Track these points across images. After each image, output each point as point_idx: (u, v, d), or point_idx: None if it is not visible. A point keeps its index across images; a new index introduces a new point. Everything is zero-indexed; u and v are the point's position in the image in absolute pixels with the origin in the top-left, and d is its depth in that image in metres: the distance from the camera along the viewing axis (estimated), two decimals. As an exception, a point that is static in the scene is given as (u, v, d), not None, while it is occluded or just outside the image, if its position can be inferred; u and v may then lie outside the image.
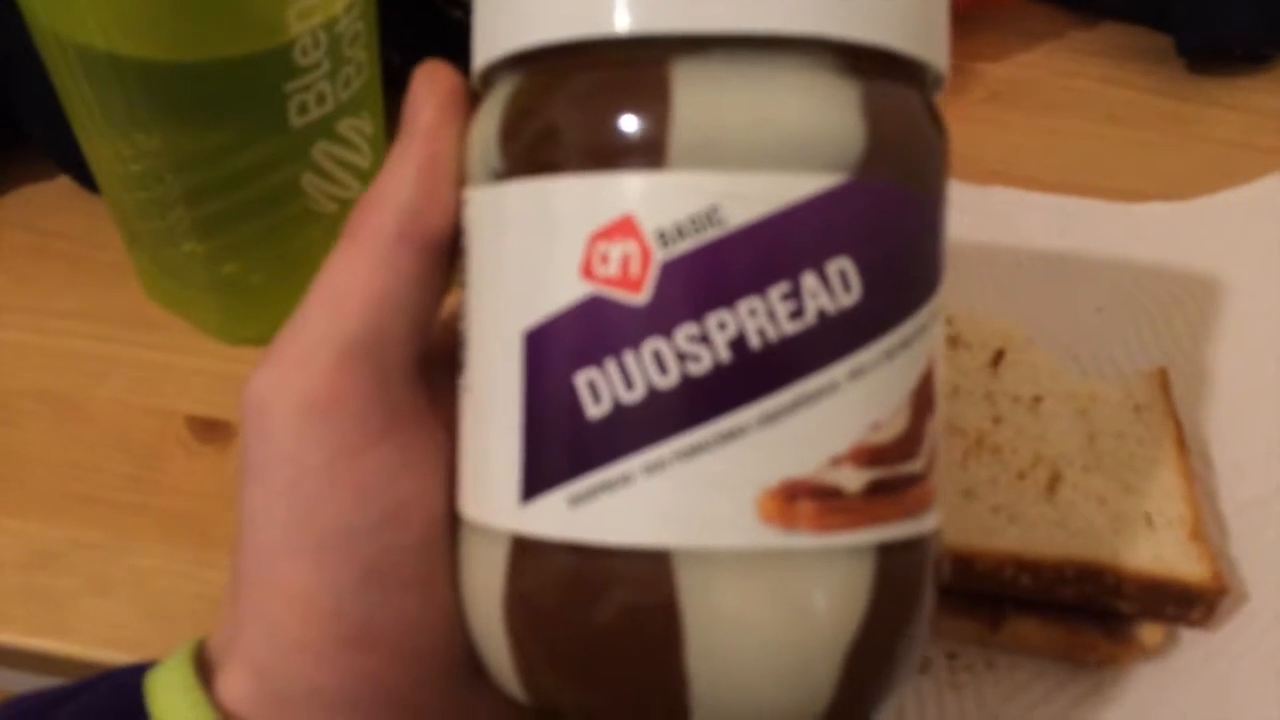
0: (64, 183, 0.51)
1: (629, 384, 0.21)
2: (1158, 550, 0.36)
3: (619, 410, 0.21)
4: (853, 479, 0.21)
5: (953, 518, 0.36)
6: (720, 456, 0.20)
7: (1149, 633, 0.36)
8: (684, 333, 0.20)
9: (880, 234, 0.21)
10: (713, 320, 0.20)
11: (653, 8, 0.21)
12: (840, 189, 0.21)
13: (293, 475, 0.23)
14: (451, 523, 0.24)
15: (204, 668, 0.24)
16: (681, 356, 0.20)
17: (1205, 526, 0.37)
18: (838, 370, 0.21)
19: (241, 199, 0.41)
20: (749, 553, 0.21)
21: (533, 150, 0.22)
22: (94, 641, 0.37)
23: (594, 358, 0.21)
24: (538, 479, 0.21)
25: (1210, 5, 0.57)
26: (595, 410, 0.21)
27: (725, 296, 0.20)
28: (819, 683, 0.21)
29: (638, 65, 0.21)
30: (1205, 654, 0.36)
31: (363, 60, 0.40)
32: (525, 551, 0.22)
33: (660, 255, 0.20)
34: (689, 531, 0.21)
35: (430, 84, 0.24)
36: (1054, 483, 0.38)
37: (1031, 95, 0.59)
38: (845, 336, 0.21)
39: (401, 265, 0.24)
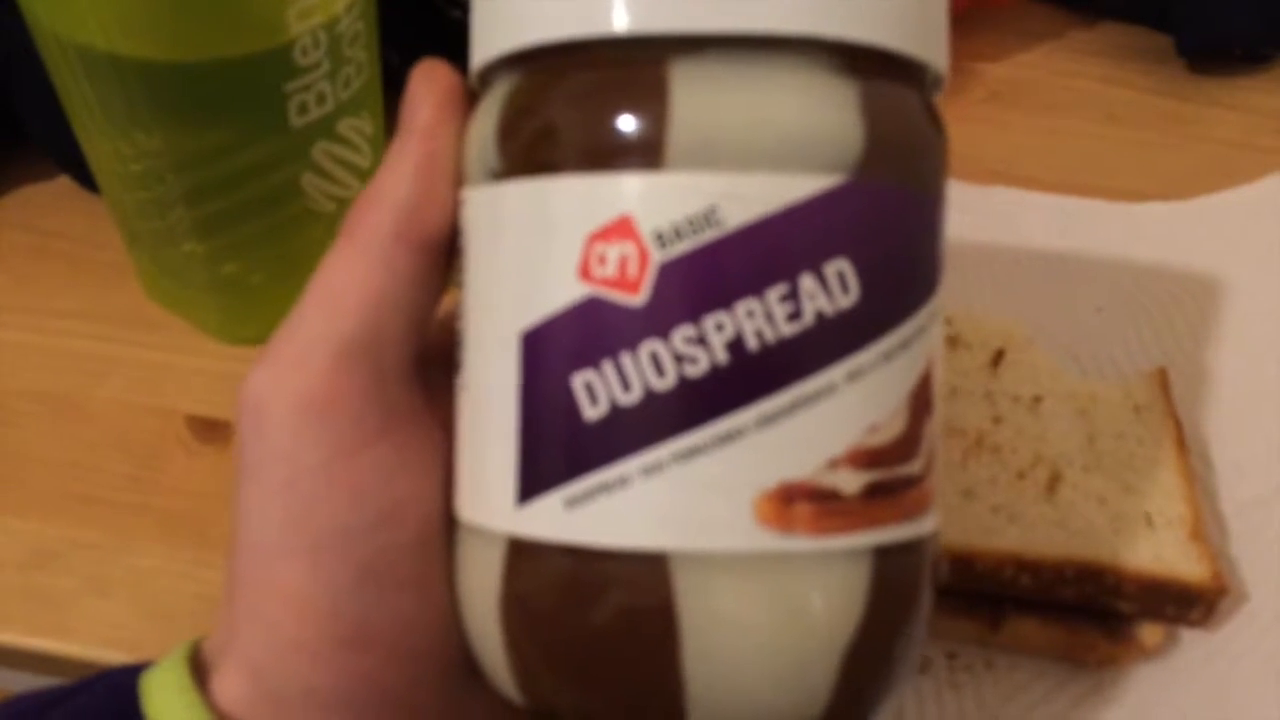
0: (64, 183, 0.51)
1: (626, 386, 0.20)
2: (1158, 550, 0.35)
3: (616, 412, 0.21)
4: (850, 481, 0.21)
5: (952, 517, 0.36)
6: (717, 459, 0.20)
7: (1149, 633, 0.36)
8: (681, 334, 0.20)
9: (879, 235, 0.21)
10: (710, 322, 0.20)
11: (651, 7, 0.21)
12: (838, 190, 0.21)
13: (289, 475, 0.23)
14: (448, 523, 0.24)
15: (200, 668, 0.24)
16: (679, 358, 0.20)
17: (1205, 526, 0.37)
18: (835, 372, 0.21)
19: (241, 199, 0.41)
20: (746, 555, 0.21)
21: (530, 150, 0.22)
22: (93, 642, 0.37)
23: (591, 359, 0.21)
24: (534, 481, 0.21)
25: (1210, 5, 0.57)
26: (592, 412, 0.21)
27: (723, 298, 0.20)
28: (816, 685, 0.21)
29: (636, 65, 0.21)
30: (1205, 654, 0.36)
31: (363, 60, 0.40)
32: (521, 553, 0.22)
33: (658, 256, 0.20)
34: (686, 534, 0.21)
35: (428, 83, 0.24)
36: (1054, 483, 0.37)
37: (1031, 95, 0.58)
38: (843, 338, 0.21)
39: (398, 265, 0.24)
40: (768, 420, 0.20)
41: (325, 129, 0.40)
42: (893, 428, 0.22)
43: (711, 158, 0.20)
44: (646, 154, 0.20)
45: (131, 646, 0.37)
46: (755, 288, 0.20)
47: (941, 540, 0.34)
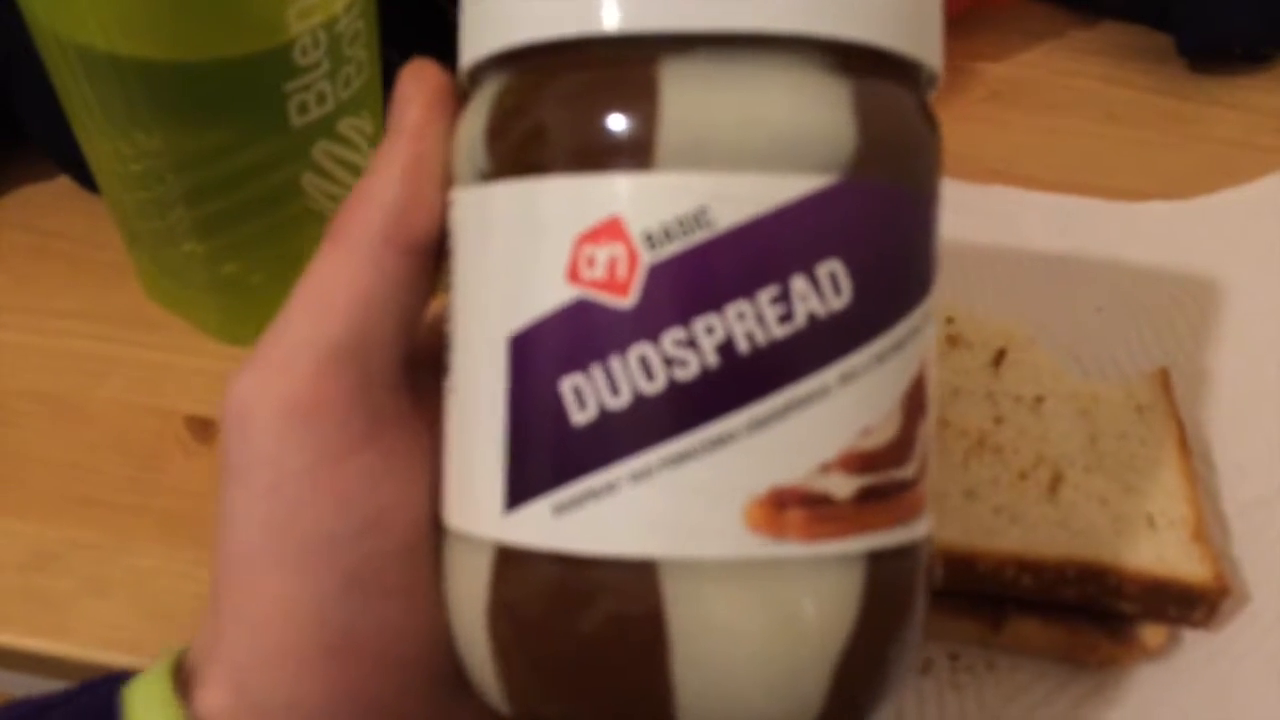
0: (64, 183, 0.51)
1: (615, 390, 0.20)
2: (1160, 551, 0.35)
3: (605, 417, 0.20)
4: (843, 486, 0.21)
5: (954, 518, 0.36)
6: (708, 464, 0.20)
7: (1151, 633, 0.36)
8: (671, 337, 0.20)
9: (871, 235, 0.21)
10: (700, 325, 0.20)
11: (641, 6, 0.20)
12: (831, 190, 0.21)
13: (273, 480, 0.23)
14: (435, 529, 0.24)
15: (184, 678, 0.24)
16: (668, 362, 0.20)
17: (1207, 527, 0.37)
18: (828, 375, 0.21)
19: (241, 199, 0.40)
20: (737, 562, 0.20)
21: (519, 150, 0.21)
22: (93, 642, 0.37)
23: (580, 363, 0.20)
24: (522, 487, 0.21)
25: (1210, 5, 0.56)
26: (581, 417, 0.20)
27: (713, 300, 0.20)
28: (809, 693, 0.21)
29: (625, 64, 0.21)
30: (1207, 655, 0.36)
31: (363, 60, 0.40)
32: (509, 561, 0.22)
33: (647, 258, 0.20)
34: (676, 541, 0.20)
35: (417, 82, 0.24)
36: (1056, 483, 0.37)
37: (1031, 95, 0.58)
38: (835, 340, 0.21)
39: (386, 267, 0.23)
40: (759, 424, 0.20)
41: (325, 128, 0.40)
42: (886, 431, 0.21)
43: (702, 158, 0.20)
44: (636, 154, 0.20)
45: (131, 647, 0.37)
46: (746, 289, 0.20)
47: (938, 542, 0.34)
